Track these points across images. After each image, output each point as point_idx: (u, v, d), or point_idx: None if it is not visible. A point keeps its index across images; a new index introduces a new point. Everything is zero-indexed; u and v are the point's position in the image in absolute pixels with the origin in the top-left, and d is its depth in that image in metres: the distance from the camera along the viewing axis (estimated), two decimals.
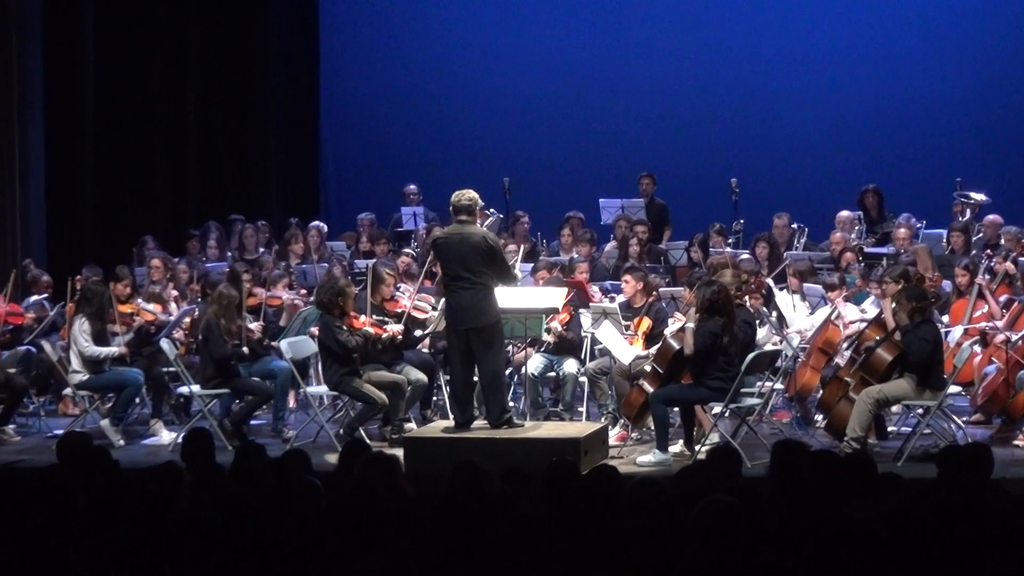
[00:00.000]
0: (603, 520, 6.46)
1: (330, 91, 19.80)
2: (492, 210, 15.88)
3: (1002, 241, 14.60)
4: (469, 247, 11.30)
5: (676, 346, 11.93)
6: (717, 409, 11.97)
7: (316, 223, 16.72)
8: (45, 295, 14.71)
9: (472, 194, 11.59)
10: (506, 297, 11.63)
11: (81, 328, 12.96)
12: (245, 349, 12.86)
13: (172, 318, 13.71)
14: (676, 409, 12.00)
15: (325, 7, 19.68)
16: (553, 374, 13.35)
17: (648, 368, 12.19)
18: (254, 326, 13.13)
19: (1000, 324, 12.89)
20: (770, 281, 14.02)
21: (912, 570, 5.67)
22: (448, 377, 12.91)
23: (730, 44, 18.94)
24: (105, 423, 12.86)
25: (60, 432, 12.18)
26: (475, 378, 11.62)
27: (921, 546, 5.88)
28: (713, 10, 19.03)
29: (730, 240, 15.78)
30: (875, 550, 5.86)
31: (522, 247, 14.53)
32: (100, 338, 13.02)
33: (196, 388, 12.92)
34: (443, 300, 13.33)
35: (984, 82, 18.45)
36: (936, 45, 18.57)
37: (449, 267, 11.47)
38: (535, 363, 12.95)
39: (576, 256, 14.93)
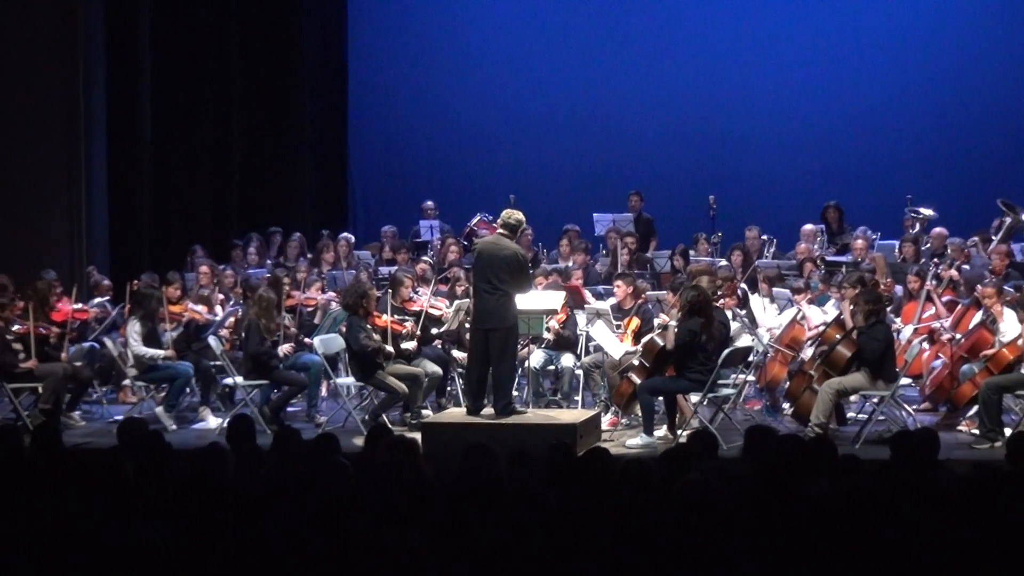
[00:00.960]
0: (596, 495, 6.47)
1: (357, 118, 19.83)
2: (528, 230, 15.92)
3: (947, 251, 14.60)
4: (501, 259, 11.32)
5: (661, 343, 11.96)
6: (696, 398, 11.98)
7: (345, 234, 16.72)
8: (107, 298, 14.74)
9: (520, 216, 11.67)
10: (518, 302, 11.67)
11: (133, 329, 12.99)
12: (281, 351, 12.87)
13: (218, 318, 13.75)
14: (660, 398, 12.01)
15: (352, 45, 19.69)
16: (552, 367, 13.36)
17: (636, 362, 12.20)
18: (285, 347, 13.10)
19: (946, 324, 12.89)
20: (744, 285, 14.04)
21: (867, 540, 5.67)
22: (461, 370, 12.98)
23: (707, 79, 18.95)
24: (160, 410, 12.89)
25: (120, 418, 12.20)
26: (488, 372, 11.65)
27: (876, 518, 5.89)
28: (692, 54, 19.01)
29: (709, 249, 15.79)
30: (835, 522, 5.87)
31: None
32: (151, 337, 13.01)
33: (239, 379, 12.93)
34: (456, 301, 13.42)
35: (932, 110, 18.47)
36: (888, 79, 18.58)
37: (479, 272, 11.48)
38: (536, 358, 12.98)
39: (572, 264, 14.94)
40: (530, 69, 19.38)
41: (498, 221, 11.85)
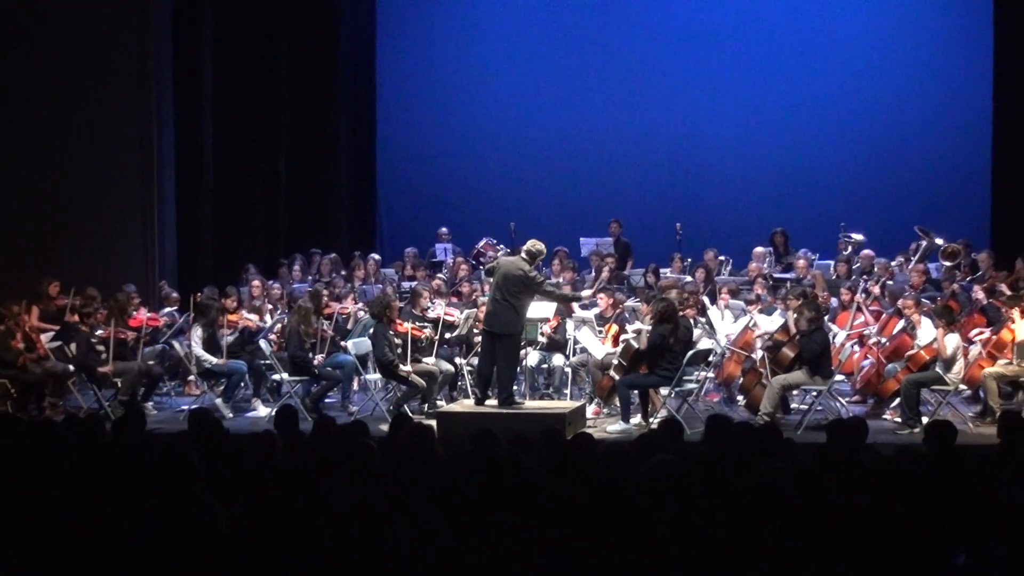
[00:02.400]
0: (582, 472, 6.48)
1: (384, 159, 19.82)
2: (501, 246, 15.93)
3: (875, 269, 14.64)
4: (514, 277, 11.40)
5: (636, 345, 11.98)
6: (665, 391, 11.99)
7: (373, 255, 16.74)
8: (175, 308, 14.76)
9: (540, 247, 11.76)
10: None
11: (196, 334, 13.04)
12: (317, 359, 12.88)
13: (267, 324, 13.76)
14: (636, 391, 12.02)
15: (380, 98, 19.71)
16: (546, 366, 13.38)
17: (615, 361, 12.22)
18: (318, 358, 13.13)
19: (873, 330, 12.92)
20: (705, 298, 14.06)
21: (807, 509, 5.68)
22: (468, 369, 12.99)
23: (675, 128, 18.92)
24: (219, 401, 12.91)
25: (186, 407, 12.27)
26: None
27: (814, 492, 5.90)
28: (662, 107, 18.93)
29: (682, 267, 15.76)
30: (780, 494, 5.88)
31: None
32: (211, 342, 13.06)
33: (285, 376, 12.96)
34: (466, 311, 13.43)
35: (862, 153, 18.47)
36: (825, 127, 18.57)
37: (495, 284, 11.56)
38: (532, 358, 13.00)
39: (562, 280, 14.95)
40: (527, 119, 19.40)
41: (524, 247, 11.88)
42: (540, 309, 12.36)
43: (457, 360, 13.26)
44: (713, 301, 14.04)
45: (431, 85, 19.68)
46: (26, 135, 15.95)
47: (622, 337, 12.50)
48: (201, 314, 13.23)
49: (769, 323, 13.00)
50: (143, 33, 16.35)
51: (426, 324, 13.14)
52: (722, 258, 15.83)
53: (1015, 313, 12.10)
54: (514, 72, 19.44)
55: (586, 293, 12.77)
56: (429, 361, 12.85)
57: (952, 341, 11.80)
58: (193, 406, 12.17)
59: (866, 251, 15.20)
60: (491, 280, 11.88)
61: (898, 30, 18.41)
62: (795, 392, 12.39)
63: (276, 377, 13.26)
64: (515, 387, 12.04)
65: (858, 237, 15.65)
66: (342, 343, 13.44)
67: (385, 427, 10.56)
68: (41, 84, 15.95)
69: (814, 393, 12.10)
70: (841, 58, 18.56)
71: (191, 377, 13.77)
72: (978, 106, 17.39)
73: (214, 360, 12.90)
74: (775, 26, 18.77)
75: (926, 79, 18.24)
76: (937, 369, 11.84)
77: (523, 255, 11.62)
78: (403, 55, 19.69)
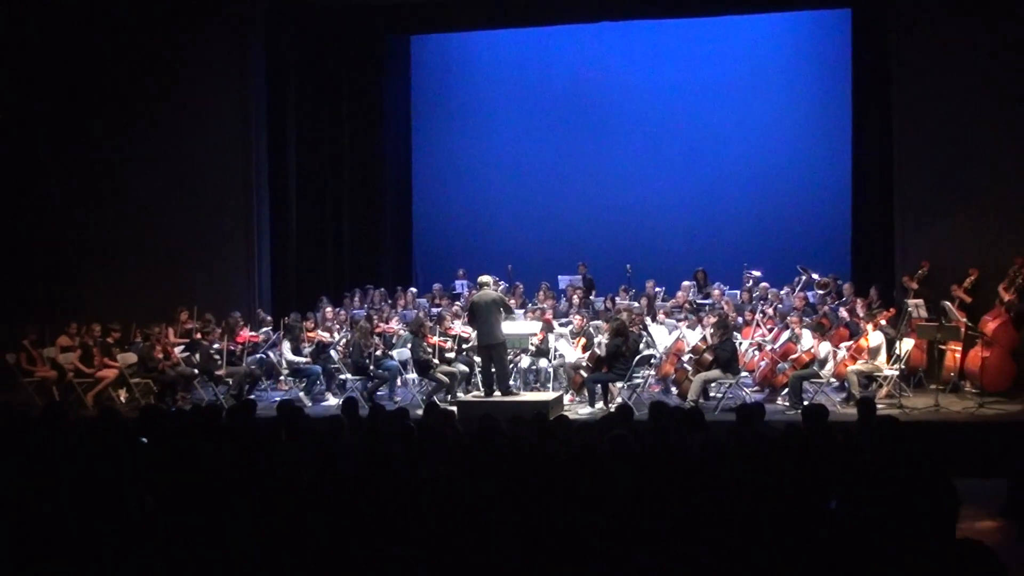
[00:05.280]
0: (561, 443, 6.51)
1: (418, 221, 19.82)
2: (503, 282, 15.94)
3: (768, 296, 14.66)
4: (490, 302, 11.46)
5: (599, 352, 12.00)
6: (620, 385, 12.00)
7: (411, 289, 16.74)
8: (269, 328, 14.77)
9: (488, 278, 11.96)
10: (511, 327, 11.74)
11: (286, 347, 13.07)
12: (372, 366, 12.92)
13: (336, 340, 13.78)
14: (599, 385, 12.03)
15: (416, 181, 19.75)
16: (534, 367, 13.37)
17: (584, 364, 12.24)
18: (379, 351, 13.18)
19: (768, 340, 12.94)
20: (647, 318, 14.07)
21: (720, 468, 5.72)
22: (479, 370, 13.01)
23: (624, 199, 18.91)
24: (301, 394, 12.91)
25: (277, 399, 12.25)
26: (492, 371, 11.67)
27: (725, 456, 5.93)
28: (613, 181, 18.97)
29: (628, 296, 15.78)
30: (701, 460, 5.91)
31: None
32: (296, 352, 13.11)
33: (349, 375, 12.95)
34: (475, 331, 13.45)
35: (757, 213, 18.48)
36: (728, 193, 18.61)
37: (479, 314, 11.57)
38: (524, 361, 13.01)
39: (546, 306, 14.95)
40: (521, 191, 19.42)
41: (481, 281, 12.01)
42: (530, 326, 12.40)
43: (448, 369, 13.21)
44: (652, 320, 14.06)
45: (452, 169, 19.77)
46: (165, 203, 16.09)
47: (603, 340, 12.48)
48: (288, 332, 13.32)
49: (693, 336, 13.03)
50: (246, 131, 16.43)
51: (448, 338, 13.17)
52: (659, 289, 15.85)
53: (869, 327, 12.16)
54: (511, 159, 19.54)
55: (518, 312, 12.78)
56: (447, 363, 12.85)
57: (825, 347, 11.86)
58: (283, 398, 12.21)
59: (763, 283, 15.22)
60: (477, 317, 11.82)
61: (777, 128, 18.47)
62: (712, 384, 12.42)
63: (342, 377, 13.27)
64: (512, 381, 12.04)
65: (756, 273, 15.67)
66: (389, 352, 13.46)
67: (420, 412, 10.60)
68: (170, 179, 16.10)
69: (726, 385, 12.12)
70: (742, 148, 18.64)
71: (282, 377, 13.78)
72: (840, 181, 17.43)
73: (302, 360, 12.98)
74: (699, 128, 18.81)
75: (803, 162, 18.32)
76: (814, 367, 11.88)
77: (486, 288, 11.75)
78: (431, 150, 19.79)
